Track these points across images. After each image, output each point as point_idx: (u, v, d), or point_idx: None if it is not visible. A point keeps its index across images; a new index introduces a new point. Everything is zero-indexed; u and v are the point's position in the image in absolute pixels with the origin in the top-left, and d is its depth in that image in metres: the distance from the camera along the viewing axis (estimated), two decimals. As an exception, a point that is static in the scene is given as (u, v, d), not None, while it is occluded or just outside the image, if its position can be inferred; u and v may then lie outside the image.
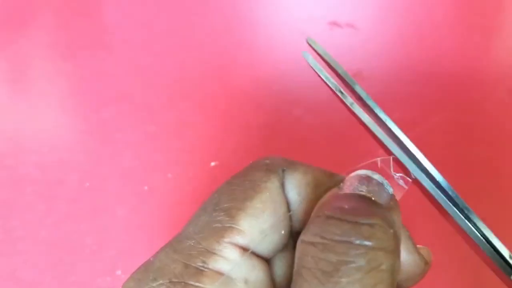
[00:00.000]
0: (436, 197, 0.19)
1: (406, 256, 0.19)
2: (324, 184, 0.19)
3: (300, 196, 0.19)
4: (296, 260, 0.16)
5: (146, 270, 0.17)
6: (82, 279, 0.35)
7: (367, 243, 0.15)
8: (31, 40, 0.46)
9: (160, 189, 0.38)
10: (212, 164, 0.38)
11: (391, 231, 0.16)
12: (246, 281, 0.17)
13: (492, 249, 0.18)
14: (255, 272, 0.18)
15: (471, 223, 0.18)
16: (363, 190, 0.17)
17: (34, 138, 0.41)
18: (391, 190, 0.18)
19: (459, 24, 0.46)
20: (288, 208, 0.19)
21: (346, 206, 0.16)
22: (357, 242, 0.15)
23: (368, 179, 0.17)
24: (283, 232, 0.19)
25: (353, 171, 0.18)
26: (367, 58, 0.44)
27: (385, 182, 0.18)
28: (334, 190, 0.18)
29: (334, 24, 0.46)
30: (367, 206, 0.16)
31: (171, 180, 0.38)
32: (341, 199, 0.17)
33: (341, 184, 0.18)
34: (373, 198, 0.17)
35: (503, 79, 0.43)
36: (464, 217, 0.18)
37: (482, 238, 0.18)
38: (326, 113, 0.40)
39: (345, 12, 0.46)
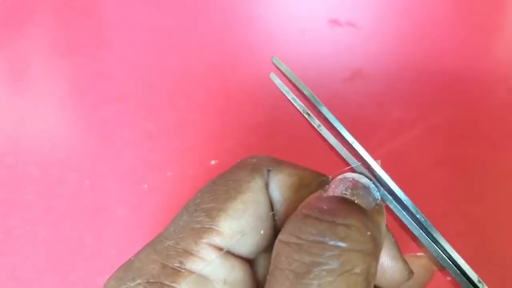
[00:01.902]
0: (403, 220, 0.18)
1: (390, 263, 0.19)
2: (309, 186, 0.19)
3: (283, 197, 0.19)
4: (271, 260, 0.16)
5: (126, 269, 0.17)
6: (82, 279, 0.35)
7: (341, 244, 0.15)
8: (31, 39, 0.46)
9: (160, 187, 0.38)
10: (212, 162, 0.38)
11: (368, 233, 0.15)
12: (225, 282, 0.17)
13: (460, 273, 0.18)
14: (234, 273, 0.18)
15: (438, 246, 0.18)
16: (347, 193, 0.17)
17: (34, 138, 0.40)
18: (377, 194, 0.17)
19: (459, 23, 0.46)
20: (271, 208, 0.19)
21: (325, 207, 0.16)
22: (332, 242, 0.15)
23: (354, 182, 0.17)
24: (262, 232, 0.18)
25: (341, 173, 0.18)
26: (367, 57, 0.44)
27: (372, 186, 0.17)
28: (318, 192, 0.17)
29: (335, 22, 0.46)
30: (347, 207, 0.16)
31: (171, 178, 0.38)
32: (323, 200, 0.16)
33: (327, 186, 0.17)
34: (356, 202, 0.16)
35: (503, 78, 0.43)
36: (431, 240, 0.18)
37: (450, 261, 0.18)
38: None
39: (345, 11, 0.46)
